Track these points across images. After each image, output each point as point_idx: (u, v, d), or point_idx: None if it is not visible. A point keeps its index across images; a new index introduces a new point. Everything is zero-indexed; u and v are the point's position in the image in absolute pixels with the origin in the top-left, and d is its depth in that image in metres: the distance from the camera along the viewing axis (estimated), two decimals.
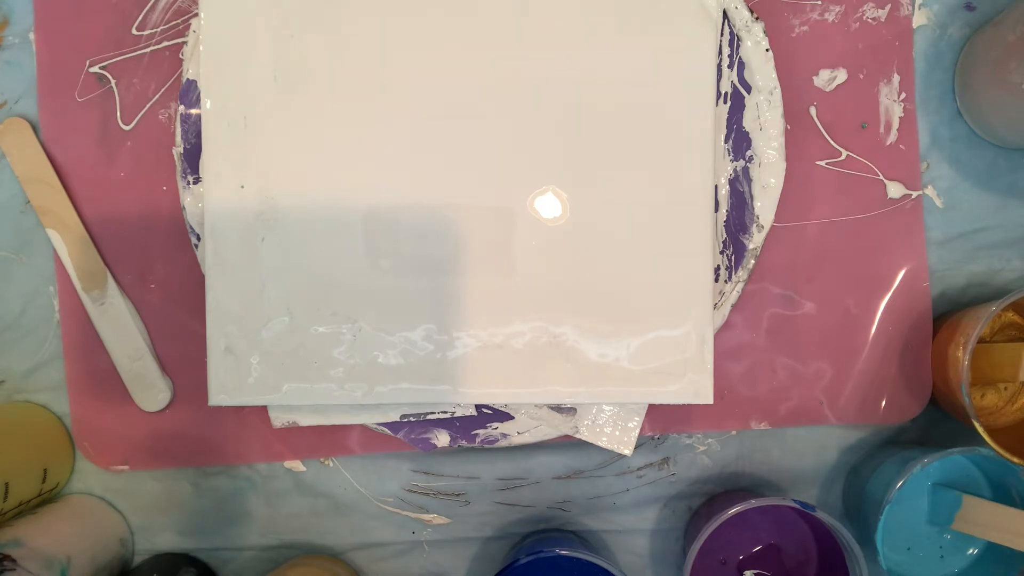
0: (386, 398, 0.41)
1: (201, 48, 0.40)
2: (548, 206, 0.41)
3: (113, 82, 0.45)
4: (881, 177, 0.45)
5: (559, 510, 0.47)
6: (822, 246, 0.45)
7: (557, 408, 0.43)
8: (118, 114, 0.45)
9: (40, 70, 0.45)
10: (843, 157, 0.45)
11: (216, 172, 0.40)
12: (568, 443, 0.46)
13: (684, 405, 0.45)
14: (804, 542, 0.46)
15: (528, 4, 0.40)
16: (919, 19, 0.45)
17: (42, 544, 0.41)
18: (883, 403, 0.45)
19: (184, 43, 0.44)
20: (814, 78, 0.45)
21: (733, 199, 0.43)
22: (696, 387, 0.41)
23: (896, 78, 0.45)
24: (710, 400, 0.41)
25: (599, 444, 0.43)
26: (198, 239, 0.43)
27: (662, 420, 0.46)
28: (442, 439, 0.44)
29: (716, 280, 0.43)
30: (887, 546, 0.43)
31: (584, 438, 0.43)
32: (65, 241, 0.44)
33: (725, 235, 0.43)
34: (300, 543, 0.47)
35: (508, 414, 0.44)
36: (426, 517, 0.47)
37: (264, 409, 0.45)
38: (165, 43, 0.45)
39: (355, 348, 0.41)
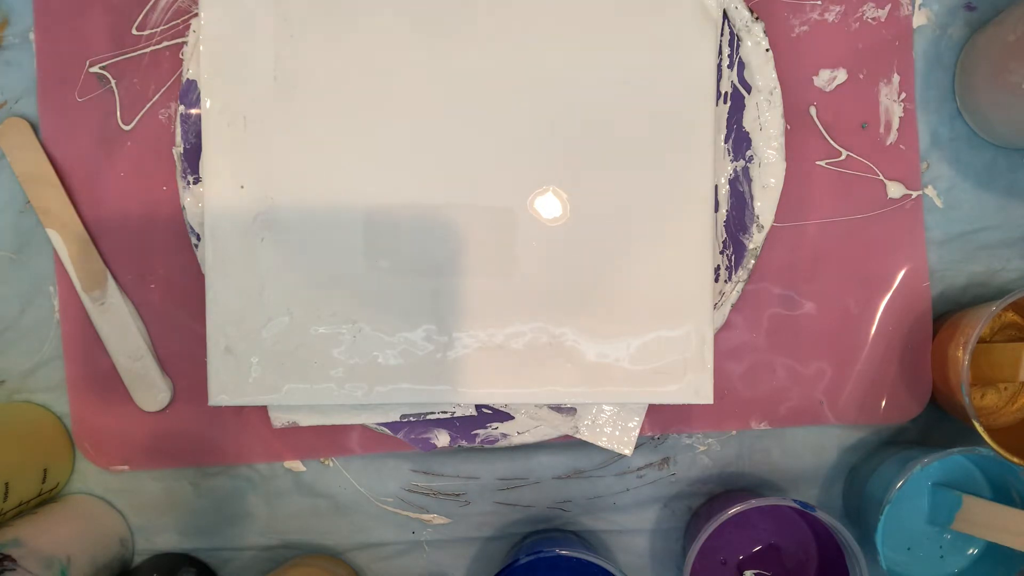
0: (386, 398, 0.41)
1: (201, 48, 0.40)
2: (548, 206, 0.41)
3: (113, 82, 0.45)
4: (881, 177, 0.45)
5: (559, 510, 0.47)
6: (822, 246, 0.45)
7: (557, 408, 0.43)
8: (118, 114, 0.45)
9: (40, 70, 0.45)
10: (843, 157, 0.45)
11: (216, 172, 0.40)
12: (568, 443, 0.46)
13: (684, 405, 0.45)
14: (804, 542, 0.46)
15: (528, 4, 0.40)
16: (919, 19, 0.45)
17: (42, 544, 0.41)
18: (883, 403, 0.45)
19: (184, 43, 0.44)
20: (814, 78, 0.45)
21: (733, 199, 0.43)
22: (696, 387, 0.41)
23: (896, 78, 0.45)
24: (710, 400, 0.41)
25: (599, 444, 0.43)
26: (198, 239, 0.43)
27: (662, 420, 0.46)
28: (442, 439, 0.44)
29: (716, 280, 0.43)
30: (887, 546, 0.43)
31: (584, 438, 0.43)
32: (65, 241, 0.44)
33: (725, 235, 0.43)
34: (300, 543, 0.47)
35: (508, 414, 0.44)
36: (426, 517, 0.47)
37: (264, 409, 0.45)
38: (165, 43, 0.45)
39: (355, 348, 0.41)
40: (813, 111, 0.45)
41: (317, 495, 0.47)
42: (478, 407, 0.44)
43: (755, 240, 0.43)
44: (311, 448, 0.46)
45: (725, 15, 0.42)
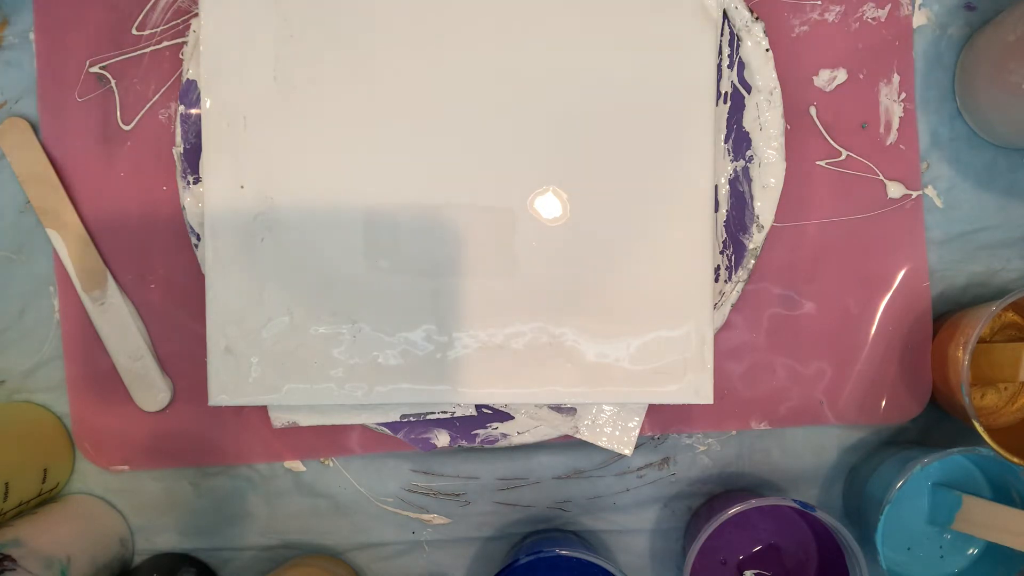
0: (386, 398, 0.41)
1: (201, 48, 0.40)
2: (548, 206, 0.41)
3: (113, 82, 0.45)
4: (881, 177, 0.45)
5: (559, 510, 0.47)
6: (822, 246, 0.45)
7: (557, 408, 0.43)
8: (118, 114, 0.45)
9: (40, 70, 0.45)
10: (843, 157, 0.45)
11: (216, 172, 0.40)
12: (568, 443, 0.46)
13: (684, 405, 0.45)
14: (804, 542, 0.46)
15: (528, 4, 0.40)
16: (919, 19, 0.45)
17: (42, 544, 0.41)
18: (883, 403, 0.45)
19: (184, 43, 0.44)
20: (814, 78, 0.45)
21: (733, 199, 0.43)
22: (696, 387, 0.41)
23: (896, 78, 0.45)
24: (710, 400, 0.41)
25: (599, 444, 0.43)
26: (198, 239, 0.43)
27: (662, 420, 0.46)
28: (442, 439, 0.44)
29: (716, 280, 0.43)
30: (887, 546, 0.43)
31: (584, 438, 0.43)
32: (65, 241, 0.44)
33: (725, 235, 0.43)
34: (300, 543, 0.47)
35: (508, 414, 0.44)
36: (426, 517, 0.47)
37: (264, 409, 0.45)
38: (165, 43, 0.45)
39: (355, 348, 0.41)
40: (813, 111, 0.45)
41: (317, 495, 0.47)
42: (478, 407, 0.44)
43: (755, 240, 0.43)
44: (311, 448, 0.46)
45: (725, 15, 0.42)
